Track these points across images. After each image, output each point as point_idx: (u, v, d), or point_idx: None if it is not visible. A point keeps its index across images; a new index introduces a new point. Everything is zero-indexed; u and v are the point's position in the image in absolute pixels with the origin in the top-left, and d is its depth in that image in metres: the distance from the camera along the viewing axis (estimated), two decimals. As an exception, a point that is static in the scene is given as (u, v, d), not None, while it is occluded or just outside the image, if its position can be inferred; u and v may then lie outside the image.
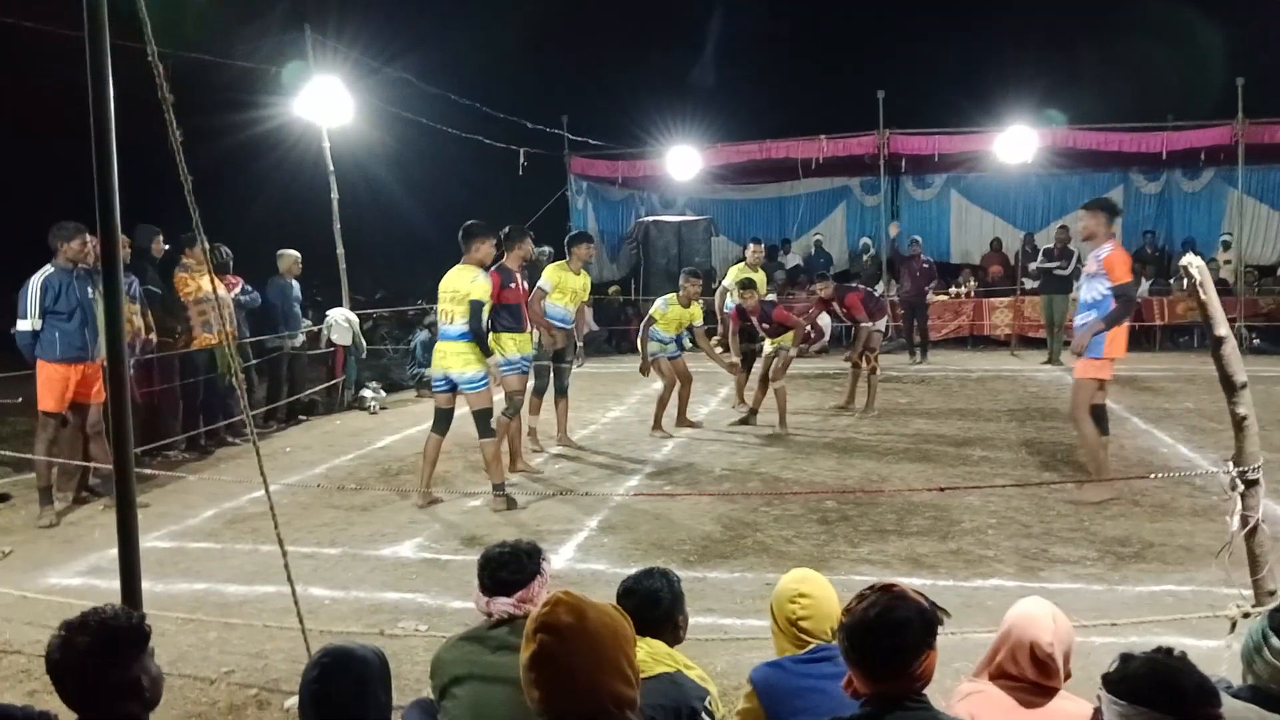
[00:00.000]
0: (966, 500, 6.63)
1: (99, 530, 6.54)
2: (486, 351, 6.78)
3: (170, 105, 3.01)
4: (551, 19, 20.05)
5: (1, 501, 7.26)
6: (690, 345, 9.93)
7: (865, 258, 17.73)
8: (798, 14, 21.94)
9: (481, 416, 6.80)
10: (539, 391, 8.67)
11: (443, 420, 6.95)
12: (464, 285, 6.75)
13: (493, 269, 7.36)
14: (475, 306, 6.71)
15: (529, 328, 7.87)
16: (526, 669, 1.93)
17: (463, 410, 7.03)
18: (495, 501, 6.77)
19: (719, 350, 10.11)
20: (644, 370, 9.26)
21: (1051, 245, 14.17)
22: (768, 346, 9.58)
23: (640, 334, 9.22)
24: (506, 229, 7.73)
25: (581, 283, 8.56)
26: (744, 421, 9.66)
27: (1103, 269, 6.45)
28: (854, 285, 11.74)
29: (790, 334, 9.40)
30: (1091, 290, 6.52)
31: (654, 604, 2.89)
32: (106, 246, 2.99)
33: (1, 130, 16.72)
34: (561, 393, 8.72)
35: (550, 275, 8.41)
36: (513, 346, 7.60)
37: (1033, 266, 14.71)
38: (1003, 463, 7.91)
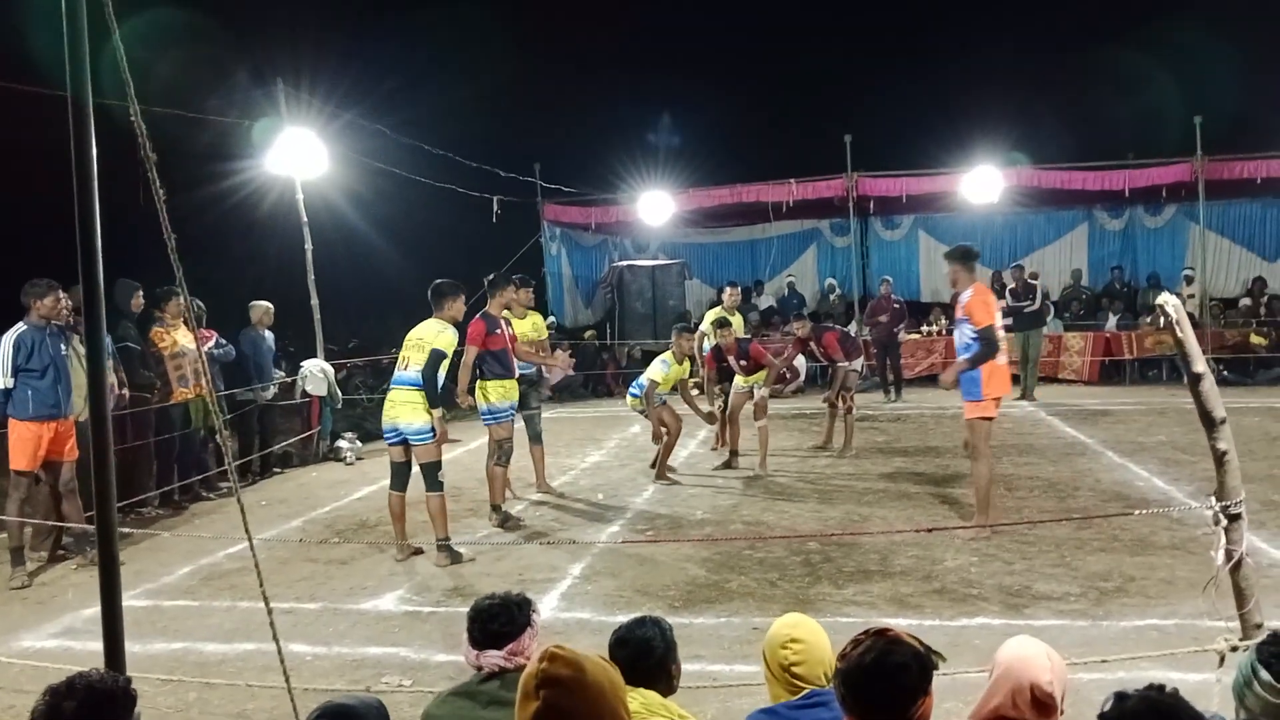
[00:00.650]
0: (948, 538, 6.65)
1: (72, 590, 6.43)
2: (434, 403, 6.66)
3: (153, 163, 3.01)
4: (522, 69, 20.29)
5: None
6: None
7: (832, 298, 17.92)
8: (766, 59, 22.31)
9: (429, 470, 6.70)
10: None
11: (400, 475, 6.85)
12: (429, 334, 6.73)
13: (477, 316, 7.34)
14: (435, 355, 6.64)
15: (516, 374, 7.86)
16: None
17: (449, 455, 6.98)
18: (440, 557, 6.67)
19: (697, 396, 10.09)
20: (656, 437, 9.25)
21: (1014, 285, 14.36)
22: (740, 382, 9.63)
23: (644, 398, 9.13)
24: (490, 276, 7.77)
25: (529, 324, 8.52)
26: (727, 465, 9.65)
27: (965, 315, 6.73)
28: (830, 325, 11.81)
29: (763, 373, 9.46)
30: (961, 335, 6.84)
31: (647, 653, 2.86)
32: (89, 304, 2.97)
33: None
34: (535, 439, 8.68)
35: None
36: (498, 394, 7.58)
37: (1003, 306, 14.91)
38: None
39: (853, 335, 12.14)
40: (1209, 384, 3.62)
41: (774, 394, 9.91)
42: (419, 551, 6.91)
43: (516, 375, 7.86)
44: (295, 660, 4.81)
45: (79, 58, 3.01)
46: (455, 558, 6.67)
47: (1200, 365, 3.61)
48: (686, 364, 9.36)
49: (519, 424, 8.47)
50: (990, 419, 6.78)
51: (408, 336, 6.88)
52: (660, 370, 9.11)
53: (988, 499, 6.83)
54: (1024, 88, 19.44)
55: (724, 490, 8.77)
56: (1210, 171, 14.97)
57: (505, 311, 8.26)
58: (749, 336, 9.66)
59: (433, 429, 6.66)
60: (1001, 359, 6.68)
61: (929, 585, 5.82)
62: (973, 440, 6.80)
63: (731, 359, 9.53)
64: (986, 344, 6.55)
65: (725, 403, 10.01)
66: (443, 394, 6.86)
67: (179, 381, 8.84)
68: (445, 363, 6.80)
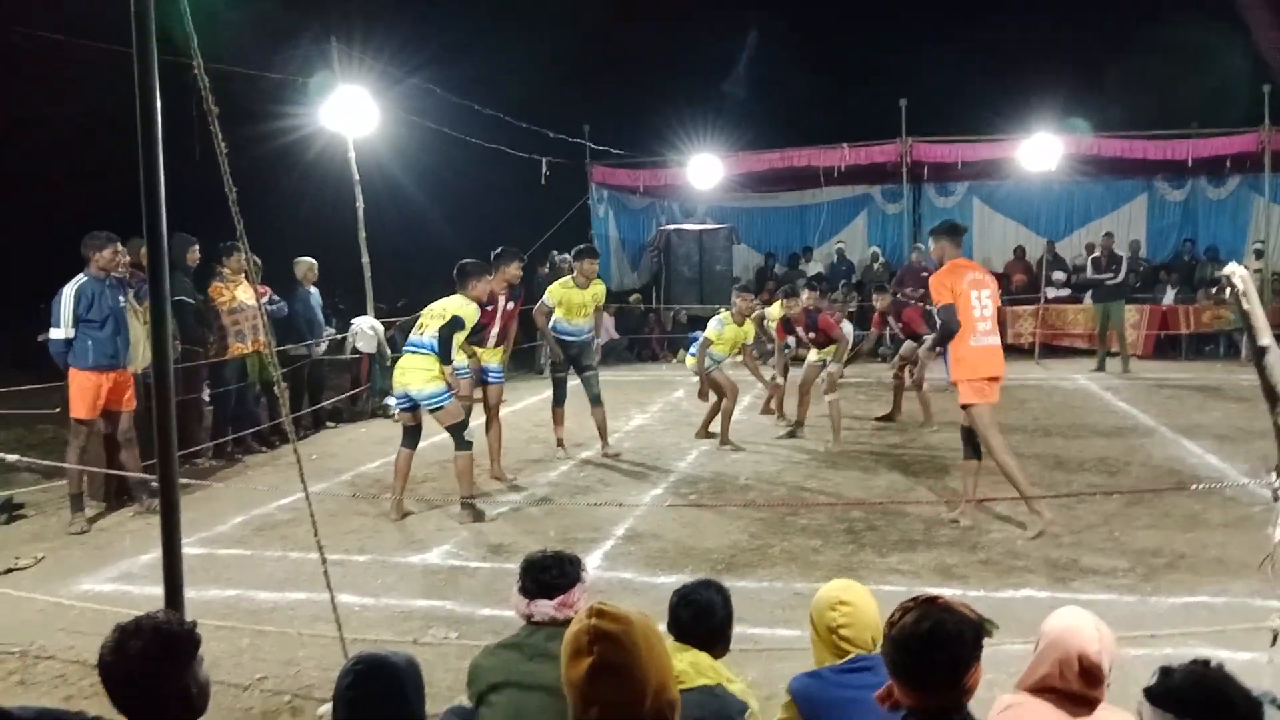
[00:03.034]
0: (995, 509, 6.60)
1: (129, 537, 6.60)
2: (446, 360, 6.71)
3: (216, 116, 3.05)
4: (574, 29, 20.14)
5: (15, 510, 7.28)
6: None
7: (875, 266, 17.68)
8: (819, 22, 21.92)
9: (454, 430, 6.77)
10: (559, 402, 8.69)
11: (411, 435, 6.96)
12: (453, 305, 6.79)
13: None
14: (453, 322, 6.71)
15: (491, 343, 7.90)
16: (584, 684, 1.90)
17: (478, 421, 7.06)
18: (462, 514, 6.75)
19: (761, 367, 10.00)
20: (703, 395, 9.23)
21: (1099, 254, 14.07)
22: (812, 356, 9.55)
23: (696, 355, 9.10)
24: (499, 250, 7.75)
25: (589, 295, 8.47)
26: (791, 435, 9.61)
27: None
28: (909, 301, 11.63)
29: (835, 347, 9.33)
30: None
31: (709, 616, 2.89)
32: (153, 257, 3.03)
33: (37, 141, 16.93)
34: (595, 401, 8.62)
35: (553, 293, 8.42)
36: (461, 356, 7.52)
37: (1084, 277, 14.83)
38: (1030, 473, 7.85)
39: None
40: (1275, 357, 3.52)
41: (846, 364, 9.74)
42: (410, 513, 6.93)
43: (490, 345, 7.89)
44: (344, 610, 4.89)
45: (144, 12, 3.04)
46: (478, 516, 6.75)
47: (1266, 338, 3.51)
48: (749, 327, 9.30)
49: (574, 382, 8.54)
50: (987, 402, 6.23)
51: (428, 307, 6.93)
52: (715, 328, 9.06)
53: (1021, 479, 6.28)
54: (1085, 53, 18.96)
55: (768, 456, 8.76)
56: (1278, 143, 14.53)
57: (566, 285, 8.38)
58: (817, 308, 9.53)
59: (446, 392, 6.71)
60: (976, 340, 6.20)
61: (974, 556, 5.79)
62: (977, 427, 6.26)
63: (800, 330, 9.45)
64: (941, 324, 6.20)
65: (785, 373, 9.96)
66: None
67: (236, 337, 9.00)
68: (462, 335, 6.86)
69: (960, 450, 6.67)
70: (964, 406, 6.32)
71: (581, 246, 8.93)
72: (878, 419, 10.45)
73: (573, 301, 8.37)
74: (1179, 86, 17.87)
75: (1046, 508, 6.26)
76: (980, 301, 6.24)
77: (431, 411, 6.79)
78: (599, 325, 8.91)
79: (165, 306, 3.19)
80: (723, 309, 9.41)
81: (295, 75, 11.52)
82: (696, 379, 9.26)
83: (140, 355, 7.12)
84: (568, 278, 8.59)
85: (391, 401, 11.30)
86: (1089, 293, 14.83)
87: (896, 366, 10.43)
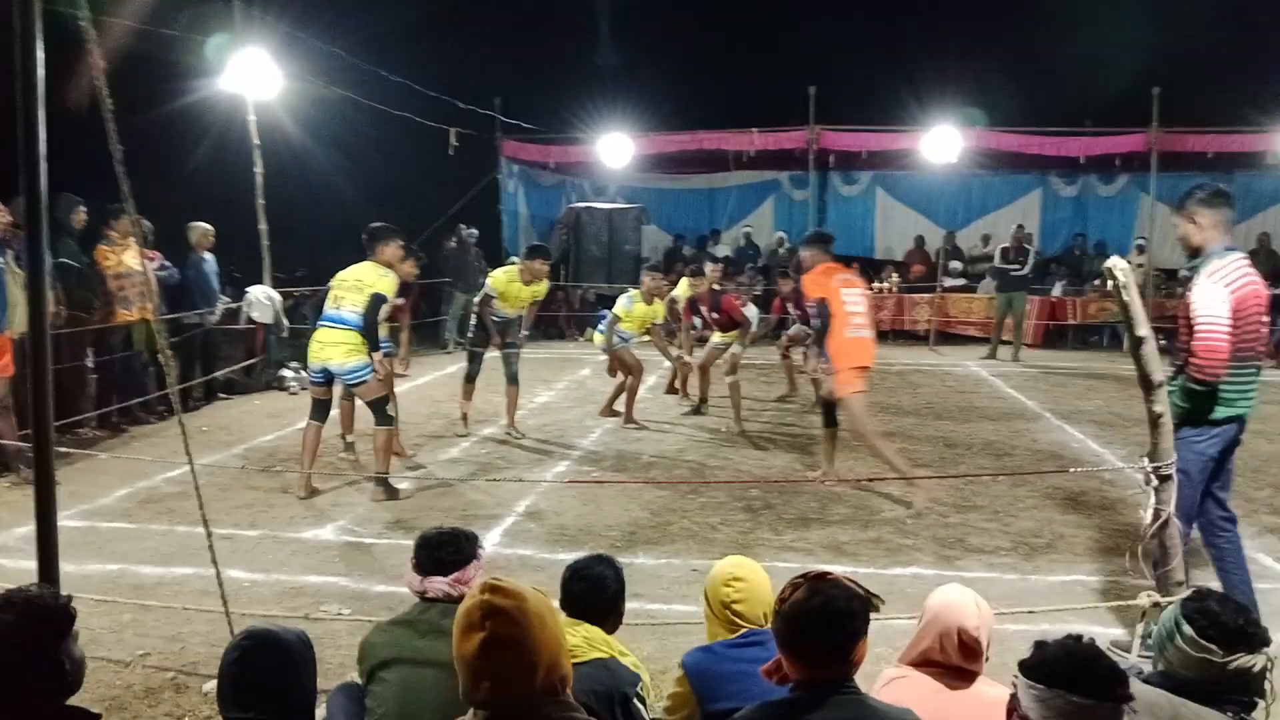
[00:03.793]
0: (886, 490, 6.79)
1: (4, 509, 6.32)
2: (374, 347, 6.60)
3: (103, 73, 2.90)
4: (485, -1, 19.86)
5: None
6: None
7: (780, 250, 17.93)
8: (733, 5, 21.99)
9: (376, 405, 6.65)
10: (470, 377, 8.60)
11: (321, 409, 6.79)
12: (370, 277, 6.62)
13: None
14: (376, 300, 6.55)
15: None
16: (475, 658, 1.90)
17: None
18: (376, 491, 6.62)
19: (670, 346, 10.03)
20: (612, 371, 9.24)
21: (1009, 245, 14.48)
22: (715, 339, 9.62)
23: (605, 331, 9.09)
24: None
25: (530, 292, 8.39)
26: (695, 411, 9.71)
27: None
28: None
29: (738, 332, 9.43)
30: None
31: (600, 591, 2.91)
32: (32, 216, 2.89)
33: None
34: (511, 380, 8.54)
35: (497, 282, 8.32)
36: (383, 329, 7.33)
37: (990, 266, 15.28)
38: (921, 454, 8.10)
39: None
40: (1150, 348, 3.70)
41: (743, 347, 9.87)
42: (318, 491, 6.77)
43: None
44: (233, 586, 4.78)
45: (24, -45, 2.88)
46: (392, 493, 6.63)
47: (1144, 329, 3.68)
48: (658, 305, 9.33)
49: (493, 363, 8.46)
50: (858, 392, 6.65)
51: (339, 276, 6.74)
52: (624, 305, 9.09)
53: (897, 460, 6.71)
54: (985, 51, 19.42)
55: (671, 435, 8.84)
56: (1164, 143, 15.17)
57: (512, 277, 8.27)
58: (721, 289, 9.62)
59: (368, 366, 6.58)
60: (851, 332, 6.61)
61: (866, 534, 5.95)
62: (851, 418, 6.72)
63: (704, 309, 9.50)
64: (818, 317, 6.65)
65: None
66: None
67: (121, 303, 8.64)
68: (384, 308, 6.73)
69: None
70: (838, 398, 6.69)
71: (533, 245, 8.92)
72: (778, 400, 10.64)
73: (512, 295, 8.30)
74: (1072, 85, 18.53)
75: (926, 486, 6.59)
76: (852, 298, 6.69)
77: (353, 387, 6.64)
78: (530, 317, 8.83)
79: (43, 268, 3.05)
80: (632, 288, 9.42)
81: (194, 34, 11.06)
82: (605, 357, 9.29)
83: (18, 319, 6.77)
84: (513, 269, 8.47)
85: (288, 374, 11.10)
86: (993, 282, 15.28)
87: (783, 348, 10.74)
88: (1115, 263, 3.65)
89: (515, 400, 8.69)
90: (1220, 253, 4.07)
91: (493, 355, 8.51)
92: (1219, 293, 3.93)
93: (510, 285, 8.29)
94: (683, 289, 10.05)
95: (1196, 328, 3.93)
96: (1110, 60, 17.32)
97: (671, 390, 10.65)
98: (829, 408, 6.96)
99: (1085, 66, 18.16)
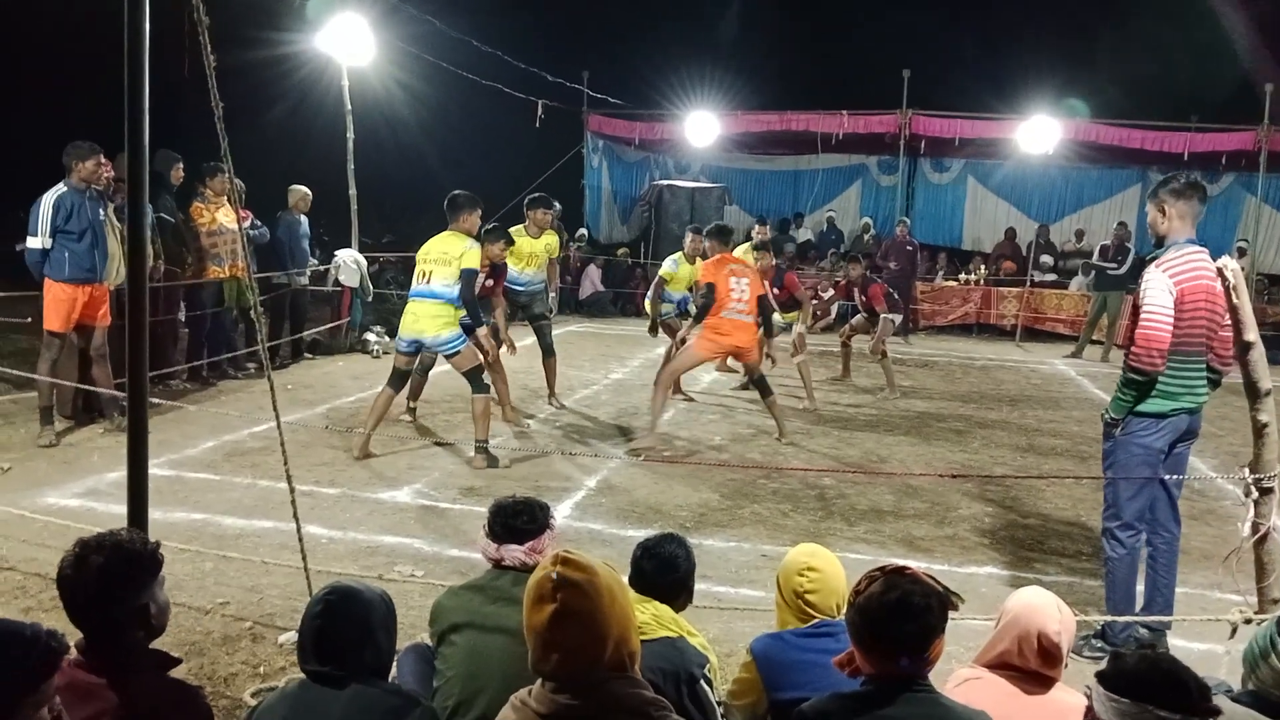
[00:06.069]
0: (965, 486, 6.65)
1: (98, 454, 6.55)
2: (479, 322, 6.68)
3: (206, 29, 2.95)
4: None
5: None
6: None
7: (866, 237, 17.60)
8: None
9: (472, 375, 6.71)
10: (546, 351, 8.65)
11: (399, 378, 6.88)
12: (456, 250, 6.64)
13: None
14: (468, 275, 6.60)
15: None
16: (545, 630, 1.90)
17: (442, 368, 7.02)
18: (476, 459, 6.71)
19: None
20: (653, 330, 9.23)
21: (1109, 243, 14.04)
22: (777, 318, 9.52)
23: (651, 295, 9.13)
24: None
25: (541, 245, 8.33)
26: (745, 386, 9.65)
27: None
28: (876, 278, 11.63)
29: (799, 312, 9.35)
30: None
31: (672, 569, 2.90)
32: (134, 172, 2.95)
33: (20, 48, 16.52)
34: (548, 352, 8.60)
35: None
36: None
37: (1086, 262, 14.89)
38: (1002, 452, 7.91)
39: (895, 296, 11.90)
40: (1259, 353, 3.54)
41: (808, 329, 9.81)
42: (373, 455, 6.81)
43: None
44: (311, 542, 4.88)
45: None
46: (492, 461, 6.70)
47: (1252, 334, 3.53)
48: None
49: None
50: (705, 354, 7.65)
51: (426, 248, 6.79)
52: (669, 268, 9.05)
53: (658, 414, 7.67)
54: (1086, 38, 18.83)
55: (745, 418, 8.77)
56: (1275, 143, 14.54)
57: (518, 233, 8.19)
58: (785, 265, 9.52)
59: (461, 337, 6.66)
60: (727, 313, 7.40)
61: (941, 531, 5.83)
62: (676, 359, 7.79)
63: (767, 284, 9.40)
64: (703, 298, 7.53)
65: None
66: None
67: (213, 260, 8.87)
68: (479, 279, 6.79)
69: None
70: (694, 342, 7.62)
71: (535, 195, 8.69)
72: (833, 379, 10.79)
73: (521, 250, 8.19)
74: (1180, 78, 17.82)
75: (651, 438, 7.46)
76: (738, 286, 7.50)
77: (448, 357, 6.74)
78: (553, 277, 8.80)
79: (144, 222, 3.12)
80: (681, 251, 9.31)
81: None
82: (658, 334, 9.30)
83: (116, 271, 6.99)
84: (519, 226, 8.41)
85: (371, 338, 11.30)
86: (1084, 279, 14.86)
87: (845, 336, 10.66)
88: (1226, 263, 3.50)
89: (554, 370, 8.74)
90: (1179, 245, 4.02)
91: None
92: (1164, 283, 3.88)
93: (520, 241, 8.18)
94: (744, 253, 10.00)
95: (1140, 317, 3.92)
96: (1220, 56, 16.63)
97: (725, 368, 10.58)
98: (761, 381, 7.82)
99: (1192, 60, 17.46)
